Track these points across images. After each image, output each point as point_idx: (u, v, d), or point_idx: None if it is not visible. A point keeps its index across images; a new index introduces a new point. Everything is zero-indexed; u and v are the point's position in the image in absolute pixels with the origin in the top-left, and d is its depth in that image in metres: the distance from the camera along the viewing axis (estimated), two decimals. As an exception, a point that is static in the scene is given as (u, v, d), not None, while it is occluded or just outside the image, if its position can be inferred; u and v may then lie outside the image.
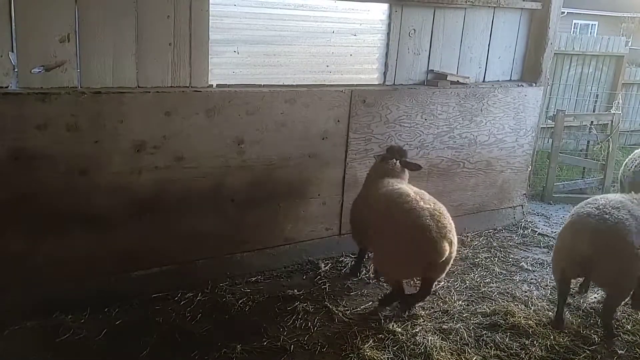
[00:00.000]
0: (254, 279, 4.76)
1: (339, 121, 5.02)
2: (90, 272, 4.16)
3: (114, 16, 4.00)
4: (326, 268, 5.05)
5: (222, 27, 4.51)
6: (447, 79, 5.63)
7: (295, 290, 4.61)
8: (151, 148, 4.19)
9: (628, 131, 12.22)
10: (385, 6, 5.27)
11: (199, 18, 4.30)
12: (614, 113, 8.88)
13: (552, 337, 4.21)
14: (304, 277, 4.91)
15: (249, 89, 4.61)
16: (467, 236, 6.02)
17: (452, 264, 4.35)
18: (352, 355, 3.85)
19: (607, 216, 4.10)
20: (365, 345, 3.94)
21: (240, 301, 4.40)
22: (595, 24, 31.32)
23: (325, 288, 4.74)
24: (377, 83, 5.45)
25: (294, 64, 4.96)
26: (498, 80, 6.22)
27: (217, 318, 4.19)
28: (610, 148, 8.09)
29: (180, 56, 4.30)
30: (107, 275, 4.23)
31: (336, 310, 4.41)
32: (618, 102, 10.80)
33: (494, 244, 5.94)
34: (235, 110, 4.49)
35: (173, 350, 3.80)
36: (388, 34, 5.34)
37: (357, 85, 5.24)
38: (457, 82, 5.71)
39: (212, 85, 4.51)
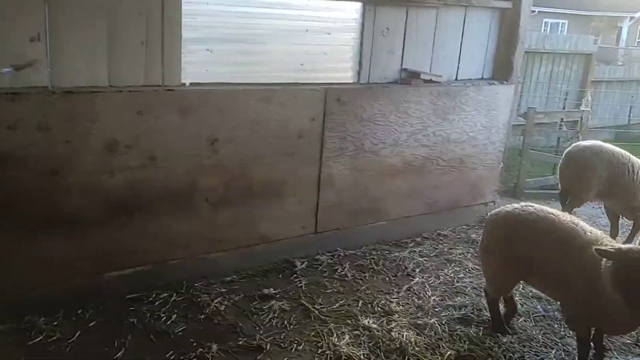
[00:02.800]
0: (229, 278, 4.74)
1: (314, 120, 5.04)
2: (63, 274, 4.11)
3: (85, 15, 3.95)
4: (302, 266, 5.05)
5: (195, 25, 4.49)
6: (421, 77, 5.68)
7: (271, 289, 4.61)
8: (124, 147, 4.15)
9: (597, 128, 12.49)
10: (358, 5, 5.29)
11: (172, 16, 4.27)
12: (583, 110, 9.08)
13: (525, 331, 4.29)
14: (280, 275, 4.92)
15: (222, 88, 4.59)
16: (441, 232, 6.10)
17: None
18: (328, 352, 3.88)
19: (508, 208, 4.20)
20: (342, 342, 3.96)
21: (216, 301, 4.39)
22: (565, 23, 31.89)
23: (302, 286, 4.75)
24: (351, 81, 5.48)
25: (268, 62, 4.95)
26: (470, 79, 6.30)
27: (192, 318, 4.17)
28: (580, 144, 8.24)
29: (152, 55, 4.26)
30: (81, 276, 4.18)
31: (312, 308, 4.42)
32: (587, 100, 11.04)
33: (468, 240, 6.02)
34: (209, 109, 4.47)
35: (148, 351, 3.77)
36: (362, 32, 5.37)
37: (331, 83, 5.25)
38: (430, 81, 5.76)
39: (185, 84, 4.48)
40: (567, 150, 6.21)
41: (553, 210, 4.05)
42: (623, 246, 3.44)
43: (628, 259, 3.27)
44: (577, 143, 6.36)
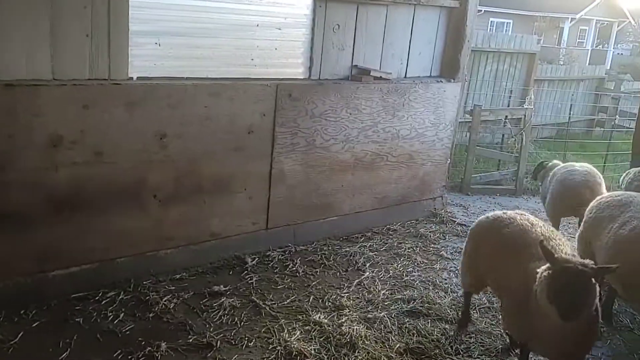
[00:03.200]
0: (178, 276, 4.68)
1: (264, 115, 5.02)
2: (5, 273, 3.96)
3: (27, 5, 3.81)
4: (253, 263, 5.04)
5: (143, 18, 4.39)
6: (371, 74, 5.75)
7: (222, 286, 4.58)
8: (69, 143, 4.03)
9: (540, 125, 12.90)
10: (309, 1, 5.30)
11: (118, 8, 4.17)
12: (526, 108, 9.36)
13: (472, 323, 4.40)
14: (231, 272, 4.89)
15: (171, 82, 4.52)
16: (391, 227, 6.19)
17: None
18: (279, 348, 3.89)
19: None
20: (292, 338, 3.98)
21: (165, 299, 4.33)
22: (510, 23, 32.79)
23: (252, 283, 4.74)
24: (302, 77, 5.48)
25: (218, 56, 4.90)
26: (419, 76, 6.41)
27: (140, 317, 4.10)
28: (524, 141, 8.52)
29: (98, 48, 4.15)
30: (23, 275, 4.05)
31: (263, 304, 4.42)
32: (530, 98, 11.36)
33: (416, 235, 6.14)
34: (156, 103, 4.39)
35: (95, 351, 3.69)
36: (313, 28, 5.38)
37: (282, 79, 5.24)
38: (380, 78, 5.83)
39: (133, 77, 4.38)
40: (571, 175, 5.83)
41: (533, 221, 3.87)
42: (563, 255, 3.30)
43: (564, 268, 3.10)
44: (565, 168, 6.05)
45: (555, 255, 3.22)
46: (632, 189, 5.20)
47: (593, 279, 3.12)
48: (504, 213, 4.06)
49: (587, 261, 3.21)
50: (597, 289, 3.17)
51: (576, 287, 3.07)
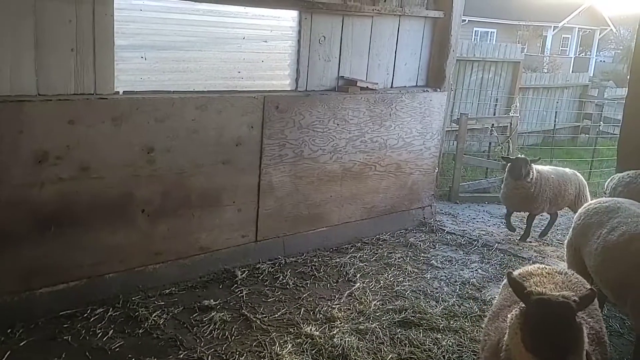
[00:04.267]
0: (168, 291, 4.64)
1: (252, 127, 5.01)
2: (-11, 292, 3.91)
3: (10, 20, 3.79)
4: (243, 276, 5.01)
5: (128, 32, 4.39)
6: (357, 85, 5.77)
7: (212, 300, 4.54)
8: (54, 159, 4.00)
9: (525, 132, 13.00)
10: (294, 13, 5.32)
11: (103, 23, 4.16)
12: (512, 116, 9.44)
13: (462, 331, 4.40)
14: (220, 286, 4.85)
15: (157, 96, 4.50)
16: (381, 237, 6.19)
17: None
18: (270, 361, 3.86)
19: None
20: (284, 351, 3.95)
21: (154, 314, 4.28)
22: (494, 32, 33.10)
23: (243, 296, 4.70)
24: (289, 89, 5.49)
25: (204, 70, 4.90)
26: (405, 86, 6.45)
27: (130, 333, 4.05)
28: (510, 149, 8.58)
29: (83, 62, 4.13)
30: (9, 293, 3.99)
31: (254, 317, 4.38)
32: (516, 105, 11.46)
33: (406, 244, 6.14)
34: (143, 117, 4.37)
35: (83, 369, 3.64)
36: (299, 40, 5.40)
37: (269, 91, 5.25)
38: (367, 88, 5.86)
39: (119, 92, 4.37)
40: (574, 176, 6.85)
41: (547, 271, 3.23)
42: (534, 290, 2.69)
43: (539, 301, 2.56)
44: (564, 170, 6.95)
45: (526, 289, 2.65)
46: (616, 194, 5.25)
47: (577, 315, 2.55)
48: (538, 267, 3.31)
49: (567, 293, 2.67)
50: (585, 330, 2.59)
51: (558, 322, 2.50)
